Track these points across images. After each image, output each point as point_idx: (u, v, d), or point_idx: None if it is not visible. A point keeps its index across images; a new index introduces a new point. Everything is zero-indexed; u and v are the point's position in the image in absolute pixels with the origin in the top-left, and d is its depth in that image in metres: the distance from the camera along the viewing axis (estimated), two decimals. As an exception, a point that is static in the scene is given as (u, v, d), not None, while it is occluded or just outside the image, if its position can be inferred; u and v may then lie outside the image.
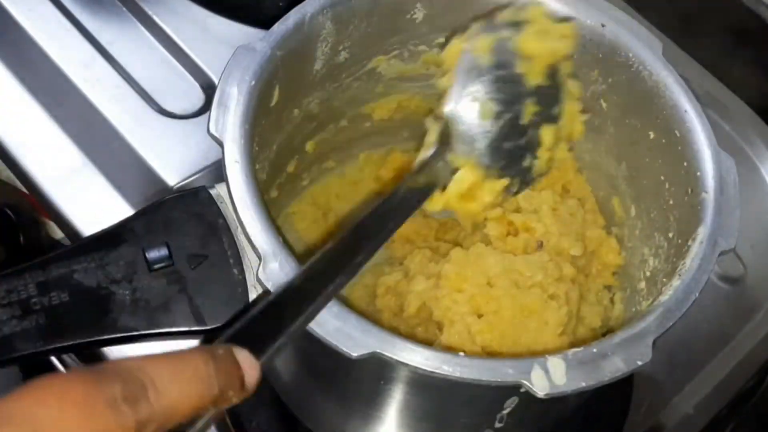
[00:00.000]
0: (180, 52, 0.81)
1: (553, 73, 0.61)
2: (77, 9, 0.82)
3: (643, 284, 0.64)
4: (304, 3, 0.60)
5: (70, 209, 0.74)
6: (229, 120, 0.55)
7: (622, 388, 0.70)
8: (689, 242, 0.56)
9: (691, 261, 0.54)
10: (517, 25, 0.60)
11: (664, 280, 0.59)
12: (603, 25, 0.63)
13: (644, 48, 0.62)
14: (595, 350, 0.50)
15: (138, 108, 0.78)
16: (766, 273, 0.77)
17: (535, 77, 0.60)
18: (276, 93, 0.59)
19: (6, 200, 0.78)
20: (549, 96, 0.61)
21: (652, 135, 0.62)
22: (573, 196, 0.70)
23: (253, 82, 0.56)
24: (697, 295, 0.52)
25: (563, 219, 0.67)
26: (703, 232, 0.55)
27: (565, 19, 0.62)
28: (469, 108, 0.59)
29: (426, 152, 0.60)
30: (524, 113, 0.60)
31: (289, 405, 0.70)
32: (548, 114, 0.61)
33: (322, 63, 0.63)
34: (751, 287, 0.75)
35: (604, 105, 0.66)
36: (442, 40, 0.67)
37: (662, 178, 0.62)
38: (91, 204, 0.74)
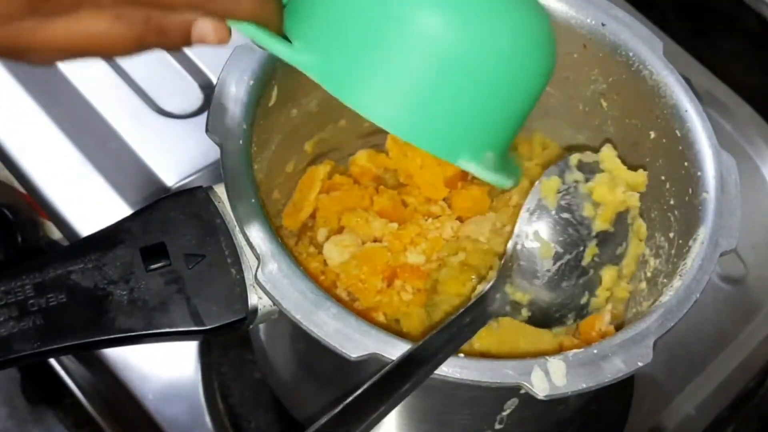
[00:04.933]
0: (178, 52, 0.81)
1: (620, 218, 0.62)
2: (75, 8, 0.82)
3: (644, 285, 0.63)
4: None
5: (68, 209, 0.74)
6: (228, 120, 0.54)
7: (623, 389, 0.70)
8: (690, 242, 0.55)
9: (692, 261, 0.54)
10: (590, 168, 0.62)
11: (665, 280, 0.59)
12: (603, 24, 0.62)
13: (645, 47, 0.61)
14: (595, 351, 0.50)
15: (136, 108, 0.78)
16: (768, 273, 0.77)
17: (602, 223, 0.61)
18: (274, 93, 0.59)
19: (4, 200, 0.78)
20: (614, 238, 0.62)
21: (652, 135, 0.62)
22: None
23: (251, 82, 0.56)
24: (698, 295, 0.52)
25: None
26: (704, 232, 0.55)
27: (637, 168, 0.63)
28: (530, 246, 0.61)
29: (485, 285, 0.60)
30: (586, 255, 0.61)
31: (287, 407, 0.70)
32: (611, 255, 0.62)
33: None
34: (752, 288, 0.74)
35: (604, 104, 0.65)
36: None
37: (663, 178, 0.62)
38: (88, 204, 0.74)
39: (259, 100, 0.57)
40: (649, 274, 0.63)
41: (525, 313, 0.60)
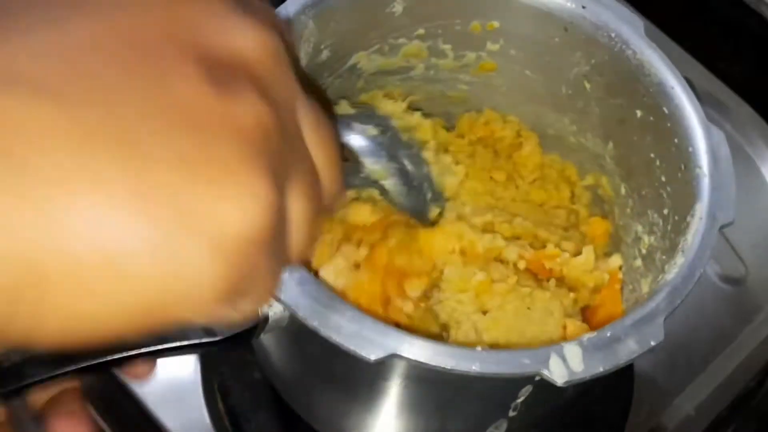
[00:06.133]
0: None
1: None
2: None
3: (639, 262, 0.64)
4: (285, 3, 0.59)
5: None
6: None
7: (623, 389, 0.70)
8: (687, 218, 0.56)
9: (692, 237, 0.54)
10: None
11: (663, 257, 0.59)
12: (583, 7, 0.63)
13: (626, 27, 0.62)
14: (609, 334, 0.50)
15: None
16: (768, 274, 0.77)
17: None
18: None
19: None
20: None
21: (639, 113, 0.63)
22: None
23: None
24: (702, 270, 0.53)
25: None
26: (701, 207, 0.55)
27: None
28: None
29: None
30: None
31: (288, 401, 0.70)
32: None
33: (305, 63, 0.62)
34: (752, 288, 0.74)
35: (587, 86, 0.66)
36: (422, 31, 0.66)
37: (652, 155, 0.62)
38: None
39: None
40: (644, 251, 0.64)
41: None
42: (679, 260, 0.54)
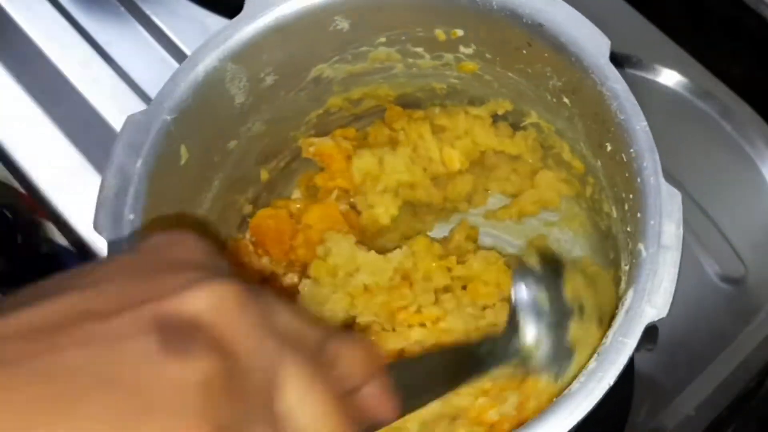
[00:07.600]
0: (178, 52, 0.79)
1: None
2: (75, 8, 0.82)
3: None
4: (192, 56, 0.55)
5: (68, 209, 0.74)
6: (120, 211, 0.53)
7: (622, 390, 0.66)
8: (618, 305, 0.49)
9: (612, 335, 0.48)
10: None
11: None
12: (541, 25, 0.54)
13: (589, 50, 0.52)
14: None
15: (136, 108, 0.76)
16: (768, 274, 0.72)
17: None
18: (183, 151, 0.56)
19: (3, 200, 0.79)
20: None
21: (609, 147, 0.54)
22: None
23: (139, 162, 0.53)
24: (611, 382, 0.47)
25: None
26: (630, 297, 0.48)
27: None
28: None
29: None
30: None
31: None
32: None
33: (245, 95, 0.58)
34: (752, 288, 0.69)
35: (566, 101, 0.57)
36: (383, 39, 0.60)
37: (623, 195, 0.54)
38: (88, 204, 0.74)
39: (161, 170, 0.54)
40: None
41: None
42: (591, 365, 0.48)
